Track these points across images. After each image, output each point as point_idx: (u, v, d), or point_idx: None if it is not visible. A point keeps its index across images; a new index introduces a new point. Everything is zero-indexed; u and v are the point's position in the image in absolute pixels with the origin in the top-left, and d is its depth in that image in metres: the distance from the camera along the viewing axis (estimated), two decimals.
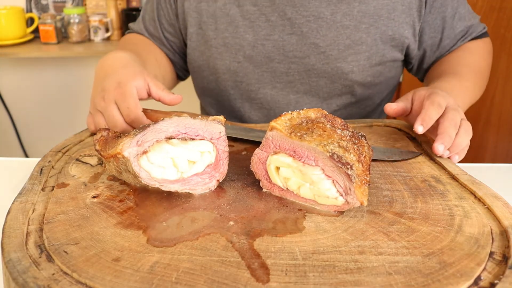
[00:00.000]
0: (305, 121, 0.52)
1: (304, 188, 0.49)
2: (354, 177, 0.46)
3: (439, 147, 0.59)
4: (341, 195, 0.47)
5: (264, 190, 0.53)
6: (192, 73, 0.94)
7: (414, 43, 0.84)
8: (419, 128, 0.60)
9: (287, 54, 0.82)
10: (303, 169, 0.48)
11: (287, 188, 0.51)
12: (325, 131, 0.49)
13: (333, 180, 0.47)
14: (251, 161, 0.53)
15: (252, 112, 0.89)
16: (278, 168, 0.52)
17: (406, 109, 0.68)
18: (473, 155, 1.70)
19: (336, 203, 0.48)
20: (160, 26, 0.90)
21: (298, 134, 0.49)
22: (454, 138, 0.60)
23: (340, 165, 0.46)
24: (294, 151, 0.49)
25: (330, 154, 0.46)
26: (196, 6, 0.84)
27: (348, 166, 0.46)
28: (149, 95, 0.67)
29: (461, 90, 0.77)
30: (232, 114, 0.92)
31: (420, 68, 0.90)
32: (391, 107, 0.67)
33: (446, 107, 0.63)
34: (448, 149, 0.60)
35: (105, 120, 0.64)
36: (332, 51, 0.81)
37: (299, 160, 0.49)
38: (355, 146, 0.49)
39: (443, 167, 0.59)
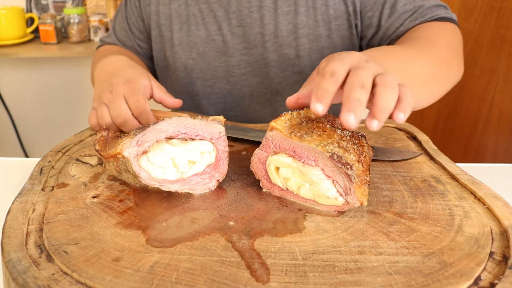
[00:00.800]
0: (305, 121, 0.52)
1: (304, 188, 0.50)
2: (354, 177, 0.46)
3: (348, 119, 0.43)
4: (341, 195, 0.47)
5: (264, 190, 0.53)
6: (158, 74, 0.97)
7: (358, 20, 0.81)
8: (318, 108, 0.45)
9: (236, 46, 0.84)
10: (303, 169, 0.48)
11: (287, 188, 0.51)
12: (325, 131, 0.49)
13: (333, 180, 0.47)
14: (251, 161, 0.53)
15: (210, 107, 0.92)
16: (278, 168, 0.52)
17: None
18: (473, 155, 1.70)
19: (336, 203, 0.48)
20: (131, 35, 0.93)
21: (298, 134, 0.49)
22: (376, 99, 0.45)
23: (340, 165, 0.46)
24: (294, 151, 0.49)
25: (330, 154, 0.46)
26: (155, 10, 0.88)
27: (348, 166, 0.46)
28: (150, 96, 0.69)
29: (396, 55, 0.62)
30: (193, 111, 0.95)
31: None
32: (290, 100, 0.53)
33: (349, 69, 0.48)
34: (375, 117, 0.44)
35: (109, 112, 0.64)
36: (277, 38, 0.82)
37: (299, 160, 0.49)
38: (355, 146, 0.49)
39: (443, 167, 0.59)
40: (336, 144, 0.47)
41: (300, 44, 0.81)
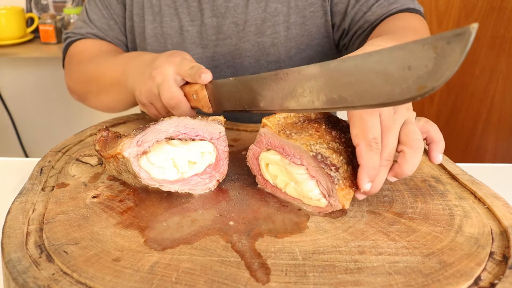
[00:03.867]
0: (302, 121, 0.51)
1: (289, 187, 0.50)
2: (338, 179, 0.45)
3: (366, 186, 0.45)
4: (324, 196, 0.47)
5: (259, 186, 0.54)
6: None
7: (329, 7, 0.80)
8: (368, 187, 0.45)
9: (210, 37, 0.83)
10: (289, 167, 0.49)
11: (276, 186, 0.52)
12: (318, 131, 0.49)
13: (317, 181, 0.47)
14: (247, 156, 0.54)
15: None
16: (268, 165, 0.52)
17: None
18: (473, 155, 1.70)
19: (319, 204, 0.48)
20: (114, 24, 0.88)
21: (288, 132, 0.49)
22: (401, 163, 0.46)
23: (322, 166, 0.45)
24: (283, 149, 0.49)
25: (314, 154, 0.46)
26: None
27: (333, 168, 0.45)
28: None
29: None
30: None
31: (342, 46, 0.83)
32: None
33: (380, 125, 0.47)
34: (396, 177, 0.47)
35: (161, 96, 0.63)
36: (250, 27, 0.81)
37: (287, 158, 0.49)
38: (349, 149, 0.48)
39: (443, 167, 0.59)
40: (325, 145, 0.47)
41: (275, 32, 0.81)
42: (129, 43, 0.89)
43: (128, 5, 0.85)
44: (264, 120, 0.51)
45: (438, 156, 0.48)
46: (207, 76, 0.59)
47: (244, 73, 0.84)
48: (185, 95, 0.63)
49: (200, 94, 0.61)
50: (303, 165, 0.48)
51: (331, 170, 0.45)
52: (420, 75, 0.35)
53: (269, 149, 0.51)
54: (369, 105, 0.40)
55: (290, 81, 0.46)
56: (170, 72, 0.62)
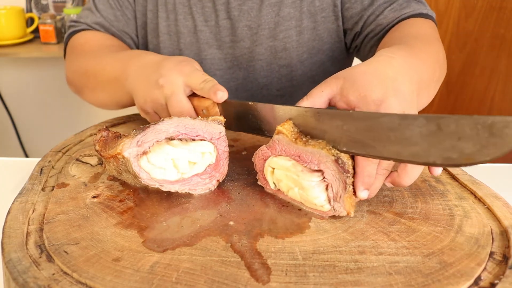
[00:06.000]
0: None
1: (292, 191, 0.49)
2: (349, 186, 0.45)
3: (364, 195, 0.46)
4: (329, 201, 0.47)
5: (258, 183, 0.54)
6: None
7: (340, 13, 0.80)
8: (365, 195, 0.46)
9: (223, 39, 0.83)
10: (301, 174, 0.48)
11: (279, 189, 0.52)
12: None
13: (328, 185, 0.47)
14: (255, 153, 0.53)
15: None
16: (273, 169, 0.52)
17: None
18: None
19: (322, 209, 0.48)
20: (123, 17, 0.85)
21: (304, 139, 0.48)
22: (401, 175, 0.47)
23: (342, 171, 0.45)
24: (299, 156, 0.48)
25: (336, 158, 0.45)
26: None
27: (349, 175, 0.45)
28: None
29: (411, 63, 0.55)
30: None
31: (354, 47, 0.82)
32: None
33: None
34: (395, 185, 0.48)
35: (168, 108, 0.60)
36: (263, 31, 0.81)
37: (302, 165, 0.48)
38: None
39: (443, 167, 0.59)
40: None
41: (287, 36, 0.81)
42: (141, 39, 0.88)
43: (142, 0, 0.85)
44: (279, 127, 0.50)
45: (438, 168, 0.49)
46: (224, 95, 0.56)
47: (256, 76, 0.84)
48: (194, 108, 0.60)
49: (211, 111, 0.58)
50: (320, 170, 0.47)
51: (347, 177, 0.45)
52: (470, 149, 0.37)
53: (279, 155, 0.51)
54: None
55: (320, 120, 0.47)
56: (180, 83, 0.59)
